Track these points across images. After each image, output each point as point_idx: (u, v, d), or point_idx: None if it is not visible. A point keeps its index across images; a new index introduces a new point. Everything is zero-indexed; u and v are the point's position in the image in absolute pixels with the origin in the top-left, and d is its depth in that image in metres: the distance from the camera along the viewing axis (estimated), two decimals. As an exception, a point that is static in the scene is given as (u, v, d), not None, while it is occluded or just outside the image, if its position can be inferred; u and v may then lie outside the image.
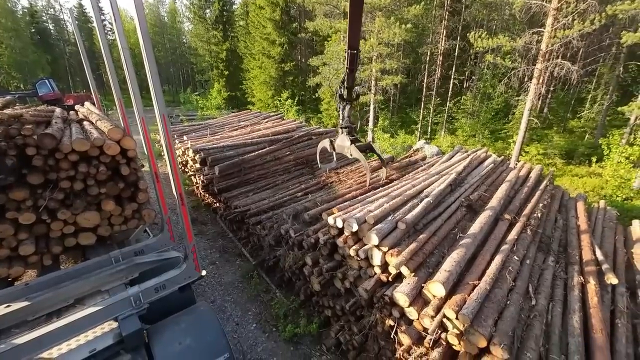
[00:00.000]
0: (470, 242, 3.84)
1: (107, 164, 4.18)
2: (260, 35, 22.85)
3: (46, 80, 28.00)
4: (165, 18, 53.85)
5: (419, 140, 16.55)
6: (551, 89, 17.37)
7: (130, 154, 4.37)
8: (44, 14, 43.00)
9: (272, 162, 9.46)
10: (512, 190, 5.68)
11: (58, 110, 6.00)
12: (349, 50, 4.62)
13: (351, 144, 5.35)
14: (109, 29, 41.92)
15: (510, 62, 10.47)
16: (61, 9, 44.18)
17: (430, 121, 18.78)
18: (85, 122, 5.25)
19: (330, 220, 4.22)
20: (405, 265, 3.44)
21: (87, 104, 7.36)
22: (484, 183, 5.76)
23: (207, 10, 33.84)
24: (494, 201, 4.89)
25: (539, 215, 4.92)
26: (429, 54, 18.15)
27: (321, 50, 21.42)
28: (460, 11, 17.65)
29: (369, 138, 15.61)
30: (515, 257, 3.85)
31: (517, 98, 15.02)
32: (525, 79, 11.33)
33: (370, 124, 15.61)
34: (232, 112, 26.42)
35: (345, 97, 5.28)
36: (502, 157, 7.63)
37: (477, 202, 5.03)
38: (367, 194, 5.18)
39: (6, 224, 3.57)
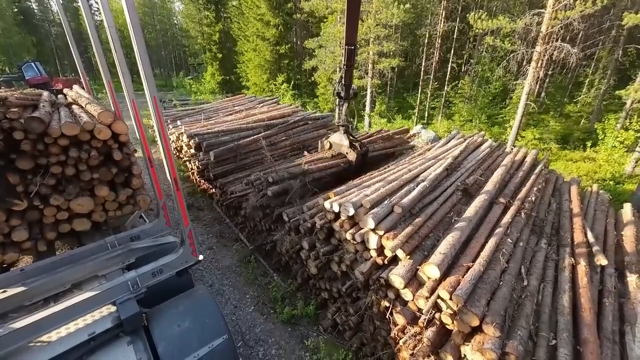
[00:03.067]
0: (465, 225, 3.88)
1: (98, 149, 4.10)
2: (254, 16, 22.09)
3: (32, 63, 26.99)
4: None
5: (415, 125, 16.44)
6: (549, 72, 17.21)
7: (122, 138, 4.29)
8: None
9: (268, 148, 9.36)
10: (508, 174, 5.71)
11: (45, 93, 5.82)
12: (346, 46, 4.62)
13: (349, 145, 5.47)
14: (96, 9, 40.23)
15: (509, 45, 10.28)
16: (44, -13, 42.07)
17: (427, 106, 18.61)
18: (74, 106, 5.11)
19: (327, 204, 4.22)
20: (400, 249, 3.48)
21: (75, 87, 7.16)
22: (479, 167, 5.77)
23: (199, -10, 32.45)
24: (490, 185, 4.92)
25: (533, 199, 4.97)
26: (427, 36, 17.76)
27: (317, 32, 20.82)
28: (460, -9, 17.17)
29: (366, 123, 15.46)
30: (509, 239, 3.91)
31: (515, 82, 14.88)
32: (524, 63, 11.18)
33: (367, 108, 15.42)
34: (227, 97, 25.94)
35: (342, 95, 5.26)
36: (499, 141, 7.62)
37: (473, 186, 5.05)
38: (363, 178, 5.17)
39: (-2, 210, 3.52)
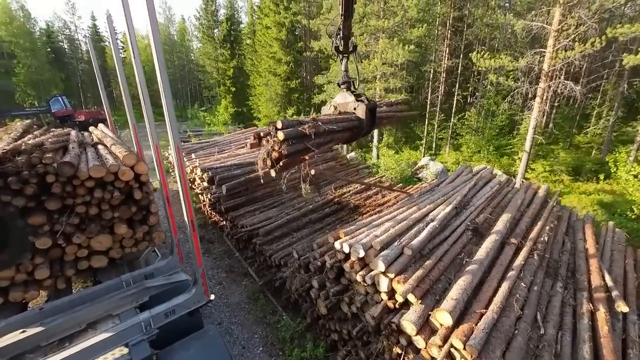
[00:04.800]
0: (476, 268, 3.85)
1: (121, 189, 4.33)
2: (266, 53, 23.53)
3: (59, 98, 28.98)
4: (175, 37, 55.78)
5: (423, 156, 16.62)
6: (555, 104, 17.45)
7: (142, 178, 4.53)
8: (60, 34, 44.86)
9: (279, 180, 9.58)
10: (518, 212, 5.69)
11: (73, 133, 6.24)
12: None
13: (356, 100, 4.69)
14: (121, 47, 43.60)
15: (512, 82, 10.62)
16: (76, 30, 46.09)
17: (434, 137, 18.90)
18: (100, 146, 5.45)
19: (337, 245, 4.27)
20: (412, 293, 3.46)
21: (101, 126, 7.64)
22: (489, 205, 5.78)
23: (216, 30, 35.10)
24: (500, 225, 4.91)
25: (546, 238, 4.91)
26: (432, 72, 18.48)
27: (326, 66, 21.92)
28: (462, 30, 18.05)
29: (374, 154, 15.72)
30: (522, 283, 3.84)
31: (521, 114, 15.11)
32: (529, 97, 11.46)
33: (375, 140, 15.78)
34: (239, 128, 26.94)
35: (341, 49, 4.74)
36: (508, 177, 7.66)
37: (483, 225, 5.04)
38: (372, 217, 5.22)
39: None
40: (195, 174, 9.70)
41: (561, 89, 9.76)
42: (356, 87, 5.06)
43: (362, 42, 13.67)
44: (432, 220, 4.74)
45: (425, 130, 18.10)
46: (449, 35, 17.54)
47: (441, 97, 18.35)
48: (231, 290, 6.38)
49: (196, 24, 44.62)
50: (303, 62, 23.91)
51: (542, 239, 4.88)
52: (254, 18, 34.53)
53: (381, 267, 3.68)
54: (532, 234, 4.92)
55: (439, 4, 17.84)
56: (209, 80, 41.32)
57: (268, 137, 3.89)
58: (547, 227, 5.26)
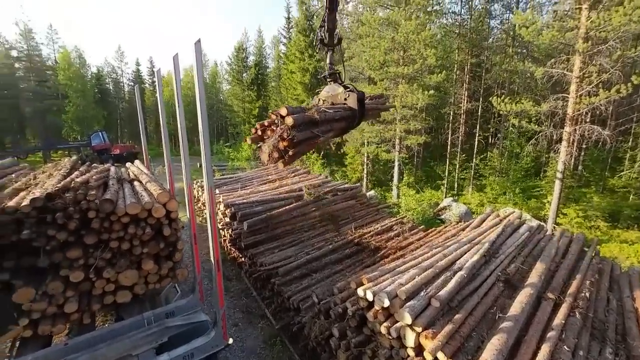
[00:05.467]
0: (511, 325, 3.57)
1: (152, 225, 4.53)
2: (290, 96, 25.02)
3: (100, 133, 31.63)
4: (207, 79, 60.86)
5: (445, 196, 16.28)
6: (583, 146, 16.97)
7: (172, 215, 4.72)
8: (108, 77, 50.21)
9: (298, 218, 9.63)
10: (553, 263, 5.33)
11: (113, 169, 6.71)
12: None
13: (345, 91, 4.50)
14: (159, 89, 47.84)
15: (536, 125, 10.57)
16: (122, 74, 51.53)
17: (456, 177, 18.63)
18: (136, 182, 5.81)
19: (360, 292, 4.14)
20: (441, 351, 3.23)
21: (137, 162, 8.18)
22: (520, 254, 5.48)
23: (244, 74, 38.17)
24: (534, 276, 4.60)
25: (588, 295, 4.52)
26: (451, 114, 18.81)
27: (346, 108, 22.84)
28: (481, 75, 18.59)
29: (394, 194, 15.62)
30: (565, 346, 3.49)
31: (547, 156, 14.74)
32: (554, 139, 11.26)
33: (395, 179, 15.76)
34: (260, 164, 27.78)
35: (326, 41, 4.59)
36: (539, 223, 7.30)
37: (515, 276, 4.75)
38: (396, 263, 5.07)
39: (58, 281, 3.85)
40: (219, 209, 9.95)
41: (588, 133, 9.56)
42: (342, 79, 4.90)
43: (382, 87, 14.33)
44: (459, 269, 4.53)
45: (447, 170, 17.93)
46: (467, 80, 18.06)
47: (462, 138, 18.41)
48: (247, 332, 6.18)
49: (227, 69, 48.80)
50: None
51: (583, 294, 4.49)
52: (280, 63, 37.39)
53: (408, 319, 3.49)
54: (572, 289, 4.55)
55: (457, 52, 18.66)
56: (235, 118, 43.92)
57: (272, 126, 3.69)
58: (588, 282, 4.86)
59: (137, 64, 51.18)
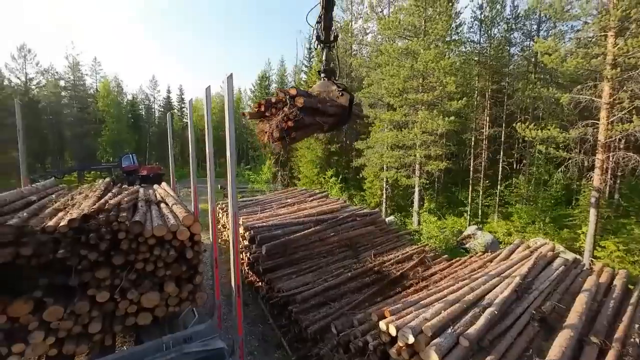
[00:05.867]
0: (552, 372, 3.25)
1: (176, 247, 4.63)
2: (310, 121, 25.75)
3: (130, 155, 33.64)
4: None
5: (469, 224, 15.64)
6: (619, 173, 16.01)
7: (196, 237, 4.82)
8: (141, 104, 54.00)
9: (316, 243, 9.52)
10: (594, 302, 4.89)
11: (142, 191, 7.03)
12: None
13: (338, 89, 4.40)
14: (186, 114, 51.10)
15: (565, 152, 10.15)
16: (154, 100, 55.33)
17: (480, 204, 17.96)
18: (162, 205, 6.04)
19: (382, 325, 3.95)
20: (473, 397, 2.97)
21: (164, 184, 8.55)
22: (556, 290, 5.08)
23: (266, 102, 39.80)
24: (574, 316, 4.22)
25: (638, 340, 4.07)
26: (473, 139, 18.52)
27: (363, 132, 23.18)
28: (502, 101, 18.39)
29: (415, 220, 15.20)
30: (617, 401, 3.11)
31: (578, 183, 14.00)
32: (586, 166, 10.70)
33: (416, 205, 15.41)
34: (279, 186, 28.25)
35: (322, 38, 4.53)
36: (575, 256, 6.81)
37: (552, 315, 4.38)
38: (420, 295, 4.84)
39: (85, 301, 3.95)
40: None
41: (624, 161, 9.05)
42: (337, 77, 4.83)
43: (401, 113, 14.47)
44: (489, 305, 4.26)
45: (470, 196, 17.37)
46: (488, 106, 17.91)
47: (484, 163, 17.94)
48: (262, 362, 5.98)
49: (250, 95, 51.29)
50: (343, 129, 25.57)
51: (632, 340, 4.05)
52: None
53: (434, 358, 3.27)
54: (618, 333, 4.12)
55: (477, 78, 18.71)
56: (256, 142, 45.43)
57: (278, 105, 3.59)
58: (637, 325, 4.39)
59: (168, 92, 54.90)
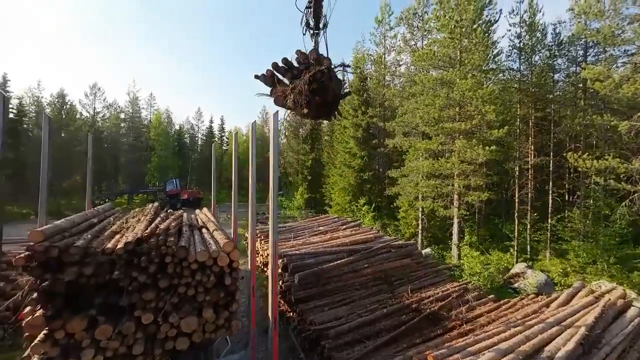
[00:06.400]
0: None
1: (215, 273, 4.76)
2: (342, 149, 26.09)
3: (173, 180, 36.23)
4: (267, 133, 67.40)
5: (516, 261, 14.28)
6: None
7: (234, 264, 4.93)
8: (186, 133, 58.80)
9: (350, 274, 9.26)
10: (686, 365, 4.11)
11: (185, 215, 7.45)
12: None
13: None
14: (226, 142, 54.65)
15: (629, 185, 9.09)
16: (197, 130, 60.03)
17: (528, 239, 16.43)
18: (204, 230, 6.32)
19: (427, 373, 3.63)
20: None
21: (205, 210, 9.00)
22: (632, 347, 4.37)
23: (301, 129, 41.51)
24: (661, 382, 3.56)
25: None
26: (517, 169, 17.43)
27: (397, 159, 22.89)
28: (548, 129, 17.33)
29: (454, 254, 14.22)
30: None
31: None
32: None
33: (455, 238, 14.49)
34: (311, 213, 28.40)
35: (312, 24, 4.30)
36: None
37: (632, 378, 3.73)
38: (466, 341, 4.42)
39: (132, 322, 4.14)
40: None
41: None
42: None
43: (437, 142, 14.18)
44: (550, 359, 3.75)
45: (516, 230, 16.01)
46: (532, 134, 16.95)
47: (531, 195, 16.63)
48: (292, 401, 5.68)
49: (285, 125, 53.71)
50: (376, 157, 25.54)
51: None
52: (333, 119, 39.98)
53: (489, 419, 2.90)
54: None
55: (518, 106, 17.97)
56: (288, 168, 46.75)
57: (292, 71, 3.47)
58: None
59: (211, 122, 59.45)
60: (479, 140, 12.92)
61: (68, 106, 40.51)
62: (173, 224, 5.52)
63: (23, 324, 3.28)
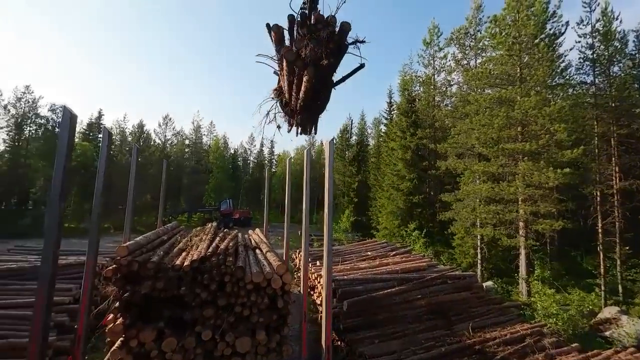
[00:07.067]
0: None
1: (268, 295, 4.85)
2: (390, 171, 25.53)
3: (227, 200, 38.76)
4: (313, 155, 69.42)
5: (605, 303, 12.01)
6: None
7: (286, 287, 4.98)
8: (240, 157, 63.33)
9: (401, 305, 8.69)
10: None
11: (240, 236, 7.84)
12: None
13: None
14: (275, 164, 57.56)
15: None
16: (250, 153, 64.33)
17: (618, 276, 13.79)
18: (257, 251, 6.54)
19: None
20: None
21: (257, 231, 9.37)
22: None
23: (347, 152, 41.92)
24: None
25: None
26: (598, 194, 15.12)
27: (449, 182, 21.54)
28: (637, 148, 14.88)
29: (523, 289, 12.48)
30: None
31: None
32: None
33: (522, 271, 12.78)
34: (357, 236, 27.82)
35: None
36: None
37: None
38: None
39: (193, 337, 4.35)
40: (318, 282, 10.00)
41: None
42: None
43: (497, 164, 13.07)
44: None
45: (602, 265, 13.63)
46: (616, 154, 14.72)
47: (619, 224, 14.17)
48: None
49: (325, 148, 54.93)
50: (427, 179, 24.42)
51: None
52: (380, 142, 39.79)
53: None
54: None
55: (595, 122, 15.91)
56: (335, 190, 47.01)
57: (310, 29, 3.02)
58: None
59: (261, 145, 63.36)
60: (547, 162, 11.58)
61: (145, 135, 46.78)
62: (230, 244, 5.83)
63: (106, 330, 3.66)
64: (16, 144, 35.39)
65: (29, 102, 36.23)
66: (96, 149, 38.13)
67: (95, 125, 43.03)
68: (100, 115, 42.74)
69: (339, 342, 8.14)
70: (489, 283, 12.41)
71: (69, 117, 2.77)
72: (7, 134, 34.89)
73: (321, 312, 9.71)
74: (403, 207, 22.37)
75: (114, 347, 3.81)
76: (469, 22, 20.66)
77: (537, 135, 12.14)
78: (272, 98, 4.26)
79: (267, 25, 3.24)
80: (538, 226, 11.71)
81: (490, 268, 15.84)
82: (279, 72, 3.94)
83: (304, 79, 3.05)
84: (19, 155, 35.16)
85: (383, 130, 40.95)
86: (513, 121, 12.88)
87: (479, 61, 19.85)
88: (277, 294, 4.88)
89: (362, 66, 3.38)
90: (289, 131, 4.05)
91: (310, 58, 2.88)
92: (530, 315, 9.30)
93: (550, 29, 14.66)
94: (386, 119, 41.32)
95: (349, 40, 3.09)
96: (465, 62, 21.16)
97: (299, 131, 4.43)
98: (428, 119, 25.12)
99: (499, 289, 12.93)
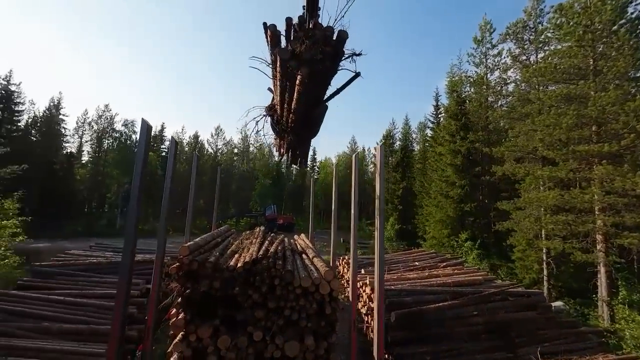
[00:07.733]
0: None
1: (317, 301, 4.83)
2: (438, 177, 24.17)
3: (272, 205, 40.15)
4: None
5: None
6: None
7: (334, 294, 4.91)
8: (284, 164, 65.43)
9: (454, 321, 8.07)
10: None
11: (286, 240, 8.00)
12: None
13: None
14: (317, 172, 58.20)
15: None
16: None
17: None
18: (304, 256, 6.60)
19: None
20: None
21: (302, 236, 9.48)
22: None
23: (391, 158, 40.79)
24: None
25: None
26: None
27: (506, 189, 19.63)
28: None
29: (605, 314, 10.68)
30: None
31: None
32: None
33: (603, 292, 10.97)
34: (402, 245, 26.72)
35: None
36: None
37: None
38: None
39: (245, 337, 4.50)
40: (364, 291, 9.76)
41: None
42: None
43: (566, 168, 11.56)
44: None
45: None
46: None
47: None
48: None
49: (374, 152, 53.98)
50: (480, 186, 22.62)
51: None
52: (426, 147, 38.05)
53: None
54: None
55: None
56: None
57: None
58: None
59: (305, 153, 64.81)
60: (633, 165, 9.90)
61: (199, 145, 50.93)
62: (279, 248, 5.97)
63: (170, 323, 3.94)
64: (97, 154, 41.06)
65: (107, 118, 41.92)
66: (159, 159, 42.49)
67: (158, 137, 48.01)
68: (162, 128, 47.59)
69: (386, 355, 7.80)
70: (559, 303, 10.92)
71: (146, 128, 3.09)
72: (90, 147, 40.74)
73: (367, 322, 9.45)
74: (453, 215, 20.94)
75: (175, 340, 4.08)
76: (528, 15, 18.89)
77: (618, 134, 10.45)
78: (263, 115, 4.20)
79: (264, 24, 3.13)
80: (623, 240, 9.94)
81: (559, 286, 13.94)
82: (272, 89, 3.89)
83: (297, 79, 2.91)
84: (99, 165, 40.69)
85: (429, 135, 39.18)
86: (586, 120, 11.31)
87: (540, 56, 17.99)
88: (325, 300, 4.84)
89: (357, 75, 3.28)
90: (279, 159, 4.03)
91: (305, 57, 2.73)
92: (614, 344, 7.93)
93: (632, 13, 12.69)
94: (432, 122, 39.52)
95: (347, 53, 2.99)
96: (524, 57, 19.34)
97: (289, 159, 4.46)
98: (480, 121, 23.39)
99: (571, 311, 11.33)
